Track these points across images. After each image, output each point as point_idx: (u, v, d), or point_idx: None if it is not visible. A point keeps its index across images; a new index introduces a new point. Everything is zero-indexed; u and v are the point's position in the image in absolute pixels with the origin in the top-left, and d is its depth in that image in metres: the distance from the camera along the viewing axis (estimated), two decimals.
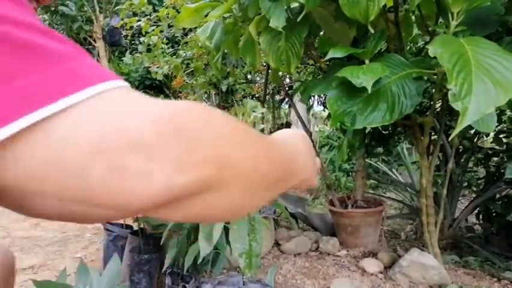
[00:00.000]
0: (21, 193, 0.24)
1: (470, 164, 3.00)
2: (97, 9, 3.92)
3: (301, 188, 0.47)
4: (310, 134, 2.99)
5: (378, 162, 3.97)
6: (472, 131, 2.69)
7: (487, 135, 2.99)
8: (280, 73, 2.74)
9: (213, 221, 0.32)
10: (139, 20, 3.25)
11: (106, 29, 4.06)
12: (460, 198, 3.16)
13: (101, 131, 0.22)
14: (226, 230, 1.43)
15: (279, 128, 4.23)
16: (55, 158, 0.22)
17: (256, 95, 5.21)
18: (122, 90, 0.25)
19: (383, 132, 2.72)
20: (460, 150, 2.85)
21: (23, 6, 0.25)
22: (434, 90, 2.04)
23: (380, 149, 2.89)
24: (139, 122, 0.23)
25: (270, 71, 2.80)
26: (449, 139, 1.69)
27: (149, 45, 3.26)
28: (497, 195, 2.82)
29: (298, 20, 1.71)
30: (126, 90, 0.25)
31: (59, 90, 0.22)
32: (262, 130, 3.08)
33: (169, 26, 3.26)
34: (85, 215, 0.25)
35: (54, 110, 0.21)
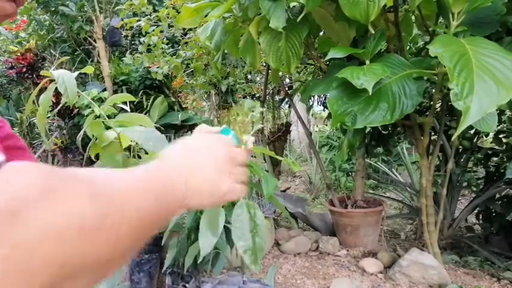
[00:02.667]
0: None
1: (470, 164, 3.00)
2: (97, 9, 3.92)
3: (221, 202, 0.42)
4: (310, 134, 2.99)
5: (378, 162, 3.98)
6: (472, 131, 2.69)
7: (487, 135, 2.99)
8: (280, 73, 2.74)
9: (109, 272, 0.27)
10: (139, 20, 3.25)
11: (106, 29, 4.06)
12: (459, 198, 3.16)
13: None
14: (226, 230, 1.43)
15: (279, 129, 4.23)
16: None
17: (256, 95, 5.21)
18: None
19: (383, 132, 2.73)
20: (460, 150, 2.85)
21: None
22: (434, 90, 2.04)
23: (380, 149, 2.89)
24: None
25: (270, 71, 2.80)
26: (452, 139, 1.69)
27: (149, 45, 3.26)
28: (497, 195, 2.82)
29: (298, 20, 1.71)
30: None
31: None
32: (262, 130, 3.08)
33: (169, 26, 3.26)
34: None
35: None
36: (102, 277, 0.27)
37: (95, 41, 4.06)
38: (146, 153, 1.07)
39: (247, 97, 5.38)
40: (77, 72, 1.37)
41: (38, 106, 1.27)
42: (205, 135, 0.45)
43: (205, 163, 0.41)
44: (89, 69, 1.48)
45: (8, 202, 0.20)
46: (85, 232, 0.23)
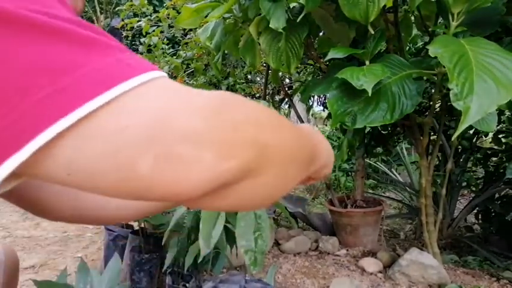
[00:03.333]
0: (77, 190, 0.24)
1: (469, 164, 3.01)
2: (98, 9, 3.93)
3: (320, 175, 0.48)
4: None
5: (377, 162, 3.98)
6: (471, 131, 2.70)
7: (486, 135, 3.00)
8: (280, 73, 2.74)
9: (253, 207, 0.32)
10: (140, 21, 3.26)
11: (107, 30, 4.06)
12: (459, 198, 3.17)
13: (152, 121, 0.22)
14: (226, 229, 1.44)
15: None
16: (104, 150, 0.22)
17: (257, 95, 5.22)
18: (166, 80, 0.25)
19: (383, 132, 2.73)
20: (459, 150, 2.85)
21: (74, 13, 0.26)
22: (433, 90, 2.05)
23: (380, 149, 2.90)
24: (187, 110, 0.23)
25: (270, 71, 2.81)
26: (452, 139, 1.69)
27: (149, 45, 3.26)
28: (496, 195, 2.83)
29: (298, 20, 1.72)
30: (169, 81, 0.26)
31: (114, 77, 0.23)
32: None
33: (170, 27, 3.26)
34: (132, 214, 0.25)
35: (108, 98, 0.22)
36: (281, 184, 0.31)
37: None
38: None
39: (247, 97, 5.38)
40: None
41: None
42: (303, 124, 0.53)
43: (320, 139, 0.47)
44: None
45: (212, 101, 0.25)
46: (273, 125, 0.29)
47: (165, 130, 0.22)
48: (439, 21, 1.89)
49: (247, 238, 0.69)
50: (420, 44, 2.62)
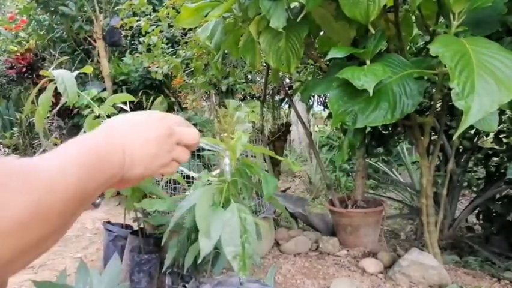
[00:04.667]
0: None
1: (470, 164, 3.00)
2: (97, 9, 3.92)
3: (131, 178, 0.41)
4: (310, 134, 2.99)
5: (378, 162, 3.97)
6: (472, 131, 2.69)
7: (487, 135, 2.99)
8: (280, 73, 2.73)
9: (53, 243, 0.30)
10: (139, 20, 3.25)
11: (106, 29, 4.06)
12: (460, 198, 3.16)
13: None
14: None
15: (279, 129, 4.23)
16: None
17: (257, 95, 5.21)
18: None
19: (383, 132, 2.72)
20: (460, 150, 2.84)
21: None
22: (434, 90, 2.04)
23: (380, 149, 2.89)
24: None
25: (270, 71, 2.80)
26: (453, 138, 1.69)
27: (149, 45, 3.26)
28: (497, 195, 2.82)
29: (298, 20, 1.71)
30: None
31: None
32: (262, 130, 3.08)
33: (169, 26, 3.26)
34: None
35: None
36: (51, 244, 0.29)
37: (95, 40, 4.06)
38: None
39: (247, 97, 5.39)
40: (76, 72, 1.37)
41: (38, 106, 1.27)
42: (152, 111, 0.46)
43: (146, 135, 0.42)
44: (88, 69, 1.47)
45: None
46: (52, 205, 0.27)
47: None
48: (440, 20, 1.89)
49: (234, 243, 0.68)
50: (421, 43, 2.61)
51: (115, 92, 3.81)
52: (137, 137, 0.41)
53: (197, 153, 2.54)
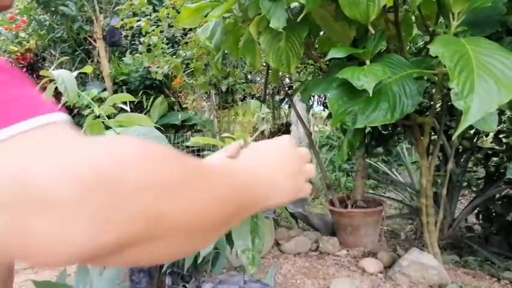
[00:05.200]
0: None
1: (470, 164, 3.00)
2: (97, 9, 3.92)
3: (270, 206, 0.41)
4: (310, 134, 2.99)
5: (378, 162, 3.98)
6: (472, 131, 2.69)
7: (487, 135, 2.99)
8: (280, 73, 2.74)
9: (159, 262, 0.27)
10: (139, 20, 3.25)
11: (106, 29, 4.06)
12: (459, 198, 3.16)
13: (10, 182, 0.19)
14: None
15: (279, 129, 4.24)
16: None
17: (256, 95, 5.22)
18: (54, 130, 0.22)
19: (383, 132, 2.73)
20: (460, 150, 2.85)
21: None
22: (434, 90, 2.04)
23: (380, 149, 2.89)
24: (52, 175, 0.19)
25: (270, 71, 2.80)
26: (453, 138, 1.69)
27: (149, 45, 3.26)
28: (497, 195, 2.82)
29: (298, 20, 1.71)
30: (54, 130, 0.22)
31: None
32: (262, 130, 3.08)
33: (169, 26, 3.26)
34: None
35: None
36: (190, 245, 0.28)
37: (95, 41, 4.06)
38: None
39: (247, 97, 5.39)
40: (76, 72, 1.37)
41: None
42: (266, 140, 0.46)
43: (283, 163, 0.41)
44: (88, 69, 1.48)
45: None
46: (179, 186, 0.24)
47: (24, 195, 0.19)
48: (440, 20, 1.89)
49: (244, 238, 0.68)
50: (420, 43, 2.62)
51: (115, 92, 3.81)
52: (277, 167, 0.41)
53: (197, 153, 2.54)
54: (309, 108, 4.19)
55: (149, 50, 3.38)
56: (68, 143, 0.21)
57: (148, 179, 0.22)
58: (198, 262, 1.51)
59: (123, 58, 4.30)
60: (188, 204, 0.25)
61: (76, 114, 4.11)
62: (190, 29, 3.32)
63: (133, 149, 0.23)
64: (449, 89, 1.20)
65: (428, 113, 2.10)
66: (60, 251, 0.20)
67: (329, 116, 3.49)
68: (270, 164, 0.40)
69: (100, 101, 1.56)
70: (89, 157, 0.21)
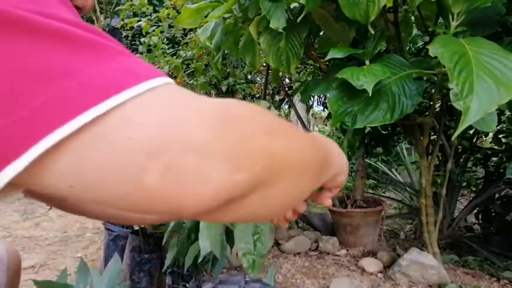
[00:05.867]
0: (74, 201, 0.22)
1: (470, 164, 3.01)
2: (98, 9, 3.93)
3: (336, 184, 0.46)
4: None
5: (377, 162, 3.98)
6: (471, 131, 2.70)
7: (486, 135, 3.00)
8: (280, 73, 2.74)
9: (265, 218, 0.32)
10: (140, 21, 3.26)
11: (107, 30, 4.06)
12: (459, 198, 3.17)
13: (156, 131, 0.21)
14: (226, 230, 1.44)
15: None
16: (108, 164, 0.20)
17: (257, 95, 5.22)
18: (173, 87, 0.24)
19: (383, 132, 2.73)
20: (459, 150, 2.85)
21: (76, 14, 0.25)
22: (433, 90, 2.05)
23: (380, 149, 2.89)
24: (195, 121, 0.22)
25: (270, 71, 2.81)
26: (452, 138, 1.69)
27: (149, 45, 3.26)
28: (497, 195, 2.83)
29: (298, 20, 1.71)
30: (176, 88, 0.25)
31: (116, 84, 0.21)
32: None
33: (170, 27, 3.26)
34: (139, 220, 0.24)
35: (110, 106, 0.20)
36: (294, 194, 0.31)
37: None
38: None
39: (247, 97, 5.39)
40: None
41: None
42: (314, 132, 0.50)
43: (334, 146, 0.46)
44: None
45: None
46: (283, 133, 0.28)
47: (171, 142, 0.21)
48: (439, 21, 1.89)
49: (246, 241, 0.68)
50: (420, 44, 2.62)
51: None
52: (332, 145, 0.45)
53: None
54: (308, 108, 4.19)
55: (149, 51, 3.38)
56: (196, 96, 0.24)
57: (263, 125, 0.26)
58: (198, 262, 1.51)
59: None
60: (296, 149, 0.29)
61: None
62: (191, 30, 3.32)
63: (250, 105, 0.27)
64: (448, 89, 1.21)
65: (427, 113, 2.10)
66: (204, 191, 0.22)
67: (329, 116, 3.49)
68: (329, 141, 0.45)
69: None
70: (218, 105, 0.24)
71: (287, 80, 4.81)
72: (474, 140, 2.81)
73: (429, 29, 1.87)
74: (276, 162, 0.26)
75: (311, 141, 0.33)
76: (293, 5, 1.96)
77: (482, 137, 2.98)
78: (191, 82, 3.76)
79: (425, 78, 1.76)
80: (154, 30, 3.19)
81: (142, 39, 3.46)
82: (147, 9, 3.29)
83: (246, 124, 0.25)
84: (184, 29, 3.44)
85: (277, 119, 0.28)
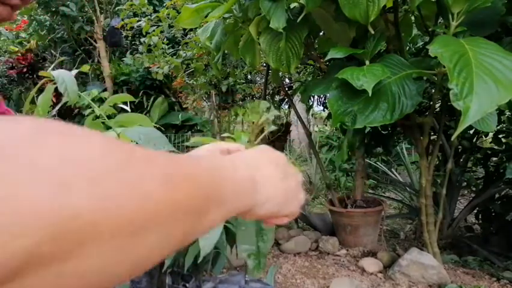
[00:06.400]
0: None
1: (469, 164, 3.00)
2: (98, 9, 3.93)
3: (263, 214, 0.34)
4: (310, 134, 2.99)
5: (377, 162, 3.98)
6: (471, 131, 2.70)
7: (486, 135, 3.00)
8: (280, 73, 2.74)
9: None
10: (140, 21, 3.26)
11: (107, 30, 4.07)
12: (459, 198, 3.17)
13: None
14: (226, 230, 1.44)
15: (279, 129, 4.24)
16: None
17: (256, 95, 5.22)
18: None
19: (383, 132, 2.73)
20: (459, 150, 2.85)
21: None
22: (433, 90, 2.05)
23: (380, 149, 2.89)
24: None
25: (270, 71, 2.81)
26: (452, 138, 1.69)
27: (149, 45, 3.26)
28: (496, 195, 2.83)
29: (298, 20, 1.72)
30: None
31: None
32: (262, 130, 3.09)
33: (170, 27, 3.26)
34: None
35: None
36: (126, 262, 0.20)
37: (95, 41, 4.07)
38: None
39: (247, 97, 5.39)
40: (76, 71, 1.38)
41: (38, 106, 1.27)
42: (268, 150, 0.39)
43: (280, 174, 0.35)
44: (85, 68, 1.48)
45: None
46: (99, 174, 0.18)
47: None
48: (439, 21, 1.89)
49: (250, 242, 0.68)
50: (420, 44, 2.62)
51: (115, 92, 3.82)
52: (269, 176, 0.34)
53: None
54: (309, 108, 4.20)
55: (149, 51, 3.38)
56: None
57: (58, 165, 0.16)
58: (198, 262, 1.51)
59: (123, 58, 4.31)
60: (119, 195, 0.18)
61: (76, 114, 4.12)
62: (191, 30, 3.32)
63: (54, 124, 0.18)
64: (448, 89, 1.21)
65: (427, 113, 2.11)
66: None
67: (329, 116, 3.49)
68: (257, 171, 0.33)
69: (100, 101, 1.57)
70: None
71: (287, 80, 4.82)
72: (474, 140, 2.81)
73: (429, 29, 1.88)
74: (75, 228, 0.16)
75: (170, 171, 0.22)
76: (293, 5, 1.96)
77: (482, 137, 2.98)
78: (191, 82, 3.77)
79: (425, 78, 1.76)
80: (154, 30, 3.20)
81: (142, 39, 3.47)
82: (147, 9, 3.29)
83: (23, 168, 0.15)
84: (184, 29, 3.44)
85: (98, 145, 0.18)
